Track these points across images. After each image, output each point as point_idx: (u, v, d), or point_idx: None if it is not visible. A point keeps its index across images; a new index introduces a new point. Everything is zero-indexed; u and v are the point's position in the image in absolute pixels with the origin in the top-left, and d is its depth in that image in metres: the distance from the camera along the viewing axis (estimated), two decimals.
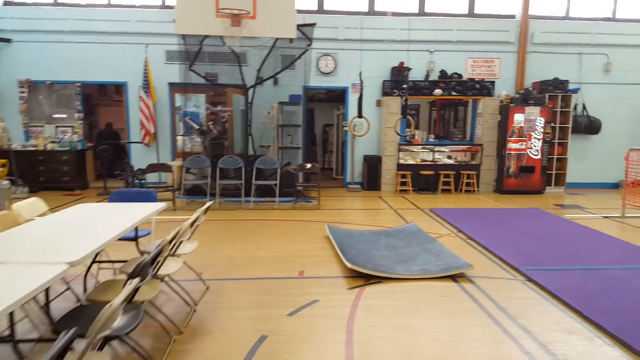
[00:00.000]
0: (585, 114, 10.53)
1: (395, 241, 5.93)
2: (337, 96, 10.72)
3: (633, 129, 10.80)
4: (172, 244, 3.49)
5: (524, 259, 5.28)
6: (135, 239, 4.47)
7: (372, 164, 10.25)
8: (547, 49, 10.52)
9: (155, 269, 3.22)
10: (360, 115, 8.34)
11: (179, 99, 10.42)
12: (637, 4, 10.62)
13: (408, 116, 8.44)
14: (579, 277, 4.70)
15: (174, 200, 8.14)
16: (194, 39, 8.35)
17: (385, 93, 10.14)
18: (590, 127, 10.45)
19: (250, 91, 8.61)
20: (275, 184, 8.12)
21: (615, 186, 10.94)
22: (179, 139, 10.60)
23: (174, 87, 10.23)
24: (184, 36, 8.18)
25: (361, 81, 8.10)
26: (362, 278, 4.63)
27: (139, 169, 8.94)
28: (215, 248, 5.70)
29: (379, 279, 4.60)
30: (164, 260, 3.40)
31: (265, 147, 9.90)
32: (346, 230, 6.36)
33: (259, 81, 8.47)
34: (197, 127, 8.71)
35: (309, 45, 8.33)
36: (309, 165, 8.21)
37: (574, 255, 5.50)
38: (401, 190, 10.07)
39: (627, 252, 5.65)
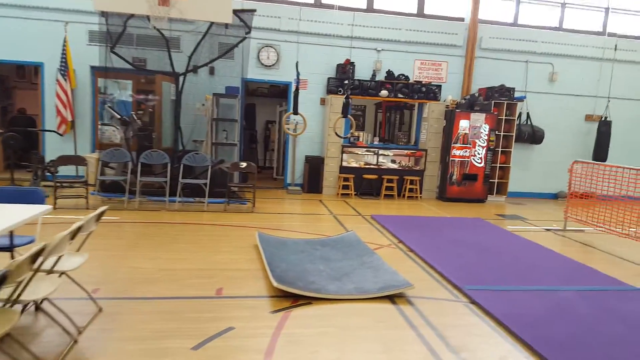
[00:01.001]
0: (529, 123, 10.52)
1: (332, 252, 5.37)
2: (281, 92, 10.09)
3: (574, 140, 10.93)
4: (38, 260, 2.71)
5: (467, 277, 4.88)
6: (10, 248, 3.60)
7: (314, 166, 9.69)
8: (494, 55, 10.41)
9: (16, 294, 2.46)
10: (296, 112, 7.71)
11: (103, 85, 9.35)
12: (583, 15, 10.74)
13: (350, 116, 7.93)
14: (525, 300, 4.34)
15: (87, 198, 7.16)
16: (117, 18, 7.40)
17: (330, 91, 9.61)
18: (534, 136, 10.45)
19: (182, 80, 7.76)
20: (205, 184, 7.35)
21: (554, 197, 11.04)
22: (106, 129, 9.54)
23: (96, 71, 9.15)
24: (105, 14, 7.21)
25: (297, 74, 7.47)
26: (289, 298, 4.02)
27: (50, 161, 7.85)
28: (123, 258, 4.88)
29: (309, 299, 4.01)
30: (28, 280, 2.63)
31: (198, 142, 9.07)
32: (279, 239, 5.73)
33: (191, 69, 7.64)
34: (118, 116, 7.75)
35: (248, 33, 7.62)
36: (244, 164, 7.50)
37: (518, 273, 5.17)
38: (343, 194, 9.57)
39: (572, 270, 5.41)
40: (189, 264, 4.78)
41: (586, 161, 7.75)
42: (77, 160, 7.53)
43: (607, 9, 10.65)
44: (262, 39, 9.46)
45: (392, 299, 4.16)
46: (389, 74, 9.90)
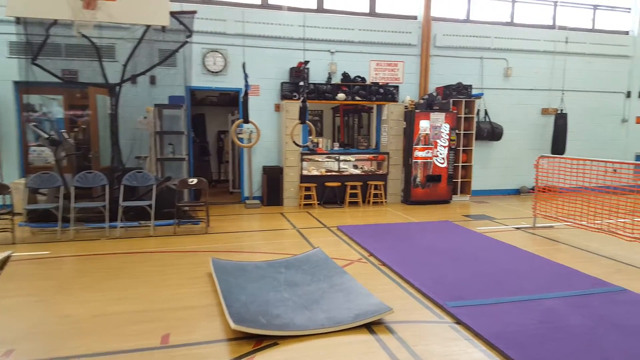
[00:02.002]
0: (487, 119, 10.36)
1: (298, 275, 4.79)
2: (232, 99, 9.44)
3: (532, 135, 10.87)
4: None
5: (447, 291, 4.44)
6: None
7: (273, 176, 9.09)
8: (449, 53, 10.19)
9: None
10: (246, 120, 7.14)
11: (29, 101, 8.38)
12: (534, 9, 10.72)
13: (308, 122, 7.40)
14: (512, 315, 3.92)
15: (13, 231, 6.25)
16: (38, 26, 6.54)
17: (284, 96, 9.05)
18: (493, 133, 10.29)
19: (118, 91, 6.98)
20: (150, 205, 6.59)
21: (516, 192, 10.93)
22: (41, 150, 8.55)
23: (21, 87, 8.18)
24: (22, 21, 6.34)
25: (246, 76, 6.85)
26: (252, 339, 3.41)
27: None
28: (50, 304, 4.11)
29: (275, 339, 3.42)
30: None
31: (142, 158, 8.27)
32: (237, 264, 5.09)
33: (128, 78, 6.88)
34: (45, 135, 6.87)
35: (189, 37, 6.94)
36: (193, 180, 6.79)
37: (498, 281, 4.78)
38: (306, 205, 9.01)
39: (552, 273, 5.08)
40: (130, 305, 4.07)
41: (551, 155, 7.57)
42: None
43: (555, 2, 10.69)
44: (207, 43, 8.78)
45: (369, 327, 3.64)
46: (345, 76, 9.47)
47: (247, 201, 9.06)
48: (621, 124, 11.32)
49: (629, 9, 11.09)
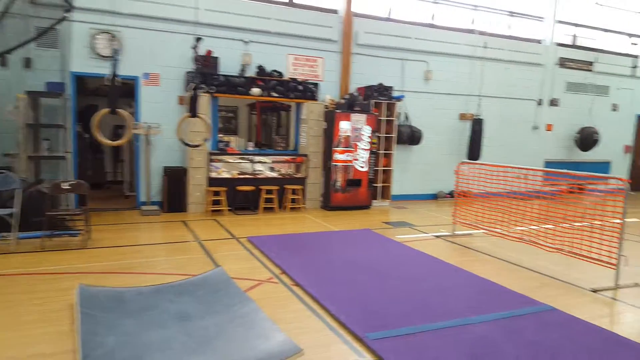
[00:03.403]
0: (407, 123, 10.08)
1: (191, 305, 3.91)
2: (131, 89, 8.24)
3: (450, 139, 10.79)
4: None
5: (368, 318, 3.82)
6: None
7: (175, 178, 8.03)
8: (371, 52, 9.76)
9: None
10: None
11: None
12: (454, 12, 10.62)
13: (201, 115, 6.51)
14: (442, 347, 3.38)
15: None
16: None
17: (201, 89, 8.01)
18: (412, 137, 10.03)
19: None
20: (11, 214, 5.32)
21: (434, 197, 10.79)
22: None
23: None
24: None
25: (115, 60, 5.77)
26: None
27: None
28: None
29: None
30: None
31: (12, 156, 6.86)
32: (113, 292, 4.09)
33: None
34: None
35: (68, 11, 5.74)
36: (67, 184, 5.60)
37: (424, 302, 4.26)
38: (214, 211, 8.06)
39: (478, 290, 4.68)
40: None
41: (472, 162, 7.35)
42: None
43: (475, 6, 10.69)
44: (96, 23, 7.51)
45: None
46: (261, 69, 8.65)
47: (144, 207, 7.90)
48: (532, 130, 11.65)
49: (542, 17, 11.42)
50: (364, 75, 9.69)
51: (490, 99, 10.95)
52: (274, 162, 8.98)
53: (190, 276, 4.56)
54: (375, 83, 9.46)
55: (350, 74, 9.54)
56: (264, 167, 8.91)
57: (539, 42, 11.48)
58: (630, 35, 12.15)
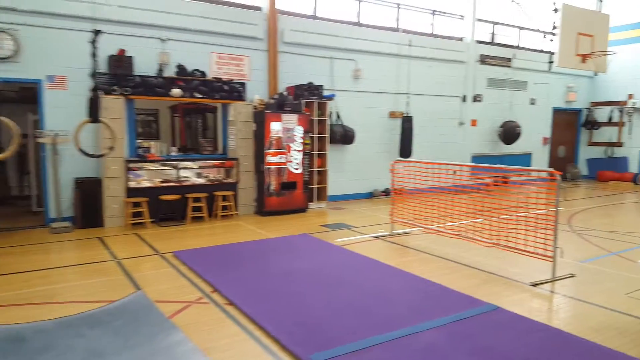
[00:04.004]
0: (339, 122, 9.89)
1: (105, 339, 3.36)
2: (34, 94, 7.28)
3: (381, 138, 10.76)
4: None
5: (311, 335, 3.49)
6: None
7: (89, 190, 7.21)
8: (299, 50, 9.45)
9: None
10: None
11: None
12: (378, 10, 10.58)
13: (104, 120, 5.88)
14: None
15: None
16: None
17: (102, 90, 7.24)
18: (345, 136, 9.86)
19: None
20: None
21: (370, 196, 10.71)
22: None
23: None
24: None
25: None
26: None
27: None
28: None
29: None
30: None
31: None
32: (8, 330, 3.42)
33: None
34: None
35: None
36: None
37: (369, 311, 4.00)
38: (135, 224, 7.34)
39: (422, 293, 4.50)
40: None
41: (405, 160, 7.28)
42: None
43: (398, 5, 10.73)
44: None
45: None
46: (181, 69, 8.03)
47: (54, 224, 7.00)
48: (459, 126, 11.94)
49: (463, 16, 11.73)
50: (292, 74, 9.36)
51: (418, 97, 11.07)
52: (201, 167, 8.40)
53: (105, 303, 3.97)
54: (305, 82, 9.17)
55: (278, 73, 9.17)
56: (191, 173, 8.30)
57: (460, 39, 11.79)
58: (545, 32, 12.83)
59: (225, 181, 8.43)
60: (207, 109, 9.09)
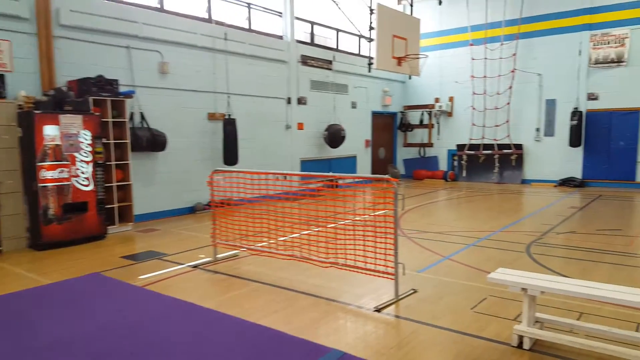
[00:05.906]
0: (145, 125, 8.18)
1: None
2: None
3: (201, 143, 9.35)
4: None
5: None
6: None
7: None
8: (83, 36, 7.47)
9: None
10: None
11: None
12: None
13: None
14: None
15: None
16: None
17: None
18: (154, 142, 8.20)
19: None
20: None
21: (192, 210, 9.21)
22: None
23: None
24: None
25: None
26: None
27: None
28: None
29: None
30: None
31: None
32: None
33: None
34: None
35: None
36: None
37: None
38: None
39: (253, 352, 3.34)
40: None
41: (226, 169, 6.10)
42: None
43: None
44: None
45: None
46: None
47: None
48: (286, 130, 11.23)
49: (280, 13, 11.04)
50: (76, 65, 7.36)
51: (241, 97, 10.00)
52: None
53: None
54: (93, 75, 7.24)
55: (54, 63, 7.06)
56: None
57: (280, 38, 11.10)
58: (362, 36, 13.00)
59: None
60: None
